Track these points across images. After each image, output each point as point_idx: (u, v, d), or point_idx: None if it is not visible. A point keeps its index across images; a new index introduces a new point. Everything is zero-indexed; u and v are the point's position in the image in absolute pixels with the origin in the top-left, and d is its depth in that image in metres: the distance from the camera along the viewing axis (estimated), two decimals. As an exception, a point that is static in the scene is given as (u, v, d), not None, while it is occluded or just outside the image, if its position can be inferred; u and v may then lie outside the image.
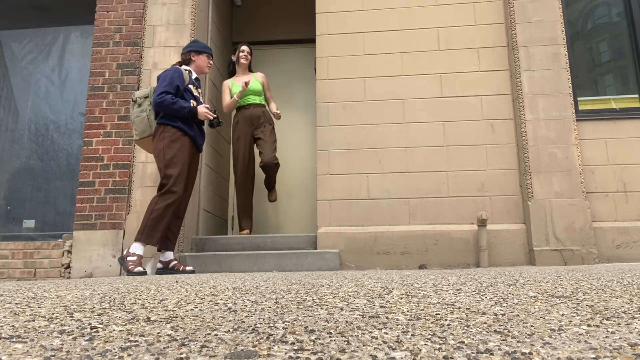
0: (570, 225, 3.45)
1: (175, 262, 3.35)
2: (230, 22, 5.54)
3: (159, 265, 3.35)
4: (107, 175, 3.89)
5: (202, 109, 3.32)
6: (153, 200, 3.16)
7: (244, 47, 4.50)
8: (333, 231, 3.68)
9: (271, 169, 4.25)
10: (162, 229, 3.13)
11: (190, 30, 4.15)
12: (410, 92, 3.88)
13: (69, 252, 3.81)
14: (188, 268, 3.36)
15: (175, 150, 3.22)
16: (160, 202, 3.12)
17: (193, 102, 3.34)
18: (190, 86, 3.41)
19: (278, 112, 4.24)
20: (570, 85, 3.69)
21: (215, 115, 3.40)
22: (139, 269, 3.08)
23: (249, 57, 4.48)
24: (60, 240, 3.90)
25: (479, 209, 3.63)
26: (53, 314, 0.86)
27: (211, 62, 3.60)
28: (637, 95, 3.83)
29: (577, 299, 0.97)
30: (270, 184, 4.38)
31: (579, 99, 3.82)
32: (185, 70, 3.45)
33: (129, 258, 3.10)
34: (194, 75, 3.51)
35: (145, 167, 3.90)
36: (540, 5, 3.84)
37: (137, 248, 3.12)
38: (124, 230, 3.78)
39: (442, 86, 3.87)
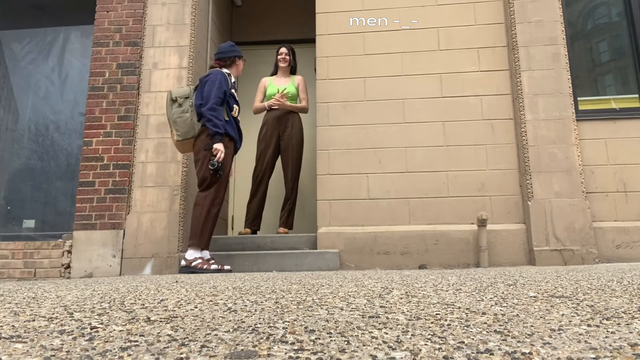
0: (570, 225, 3.45)
1: (200, 261, 3.21)
2: (230, 22, 5.54)
3: (183, 263, 3.23)
4: (107, 175, 3.89)
5: (219, 146, 3.25)
6: (201, 203, 3.22)
7: (282, 49, 4.40)
8: (333, 231, 3.68)
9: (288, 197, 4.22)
10: (211, 230, 3.26)
11: (190, 30, 4.15)
12: (410, 92, 3.88)
13: (69, 252, 3.81)
14: (226, 267, 3.26)
15: (224, 156, 3.28)
16: (212, 209, 3.24)
17: (236, 107, 3.47)
18: (233, 90, 3.48)
19: (281, 100, 4.19)
20: (570, 85, 3.69)
21: (219, 164, 3.24)
22: (215, 266, 3.19)
23: (287, 58, 4.37)
24: (60, 240, 3.90)
25: (479, 209, 3.63)
26: (53, 314, 0.86)
27: (242, 65, 3.72)
28: (637, 95, 3.82)
29: (577, 299, 0.97)
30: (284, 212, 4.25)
31: (579, 99, 3.82)
32: (227, 73, 3.50)
33: (194, 263, 3.17)
34: (233, 79, 3.57)
35: (145, 167, 3.90)
36: (540, 5, 3.84)
37: (193, 254, 3.20)
38: (124, 230, 3.78)
39: (442, 86, 3.87)
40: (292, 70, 4.46)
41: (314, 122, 4.92)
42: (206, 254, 3.27)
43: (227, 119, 3.39)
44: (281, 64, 4.37)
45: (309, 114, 5.19)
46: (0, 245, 3.88)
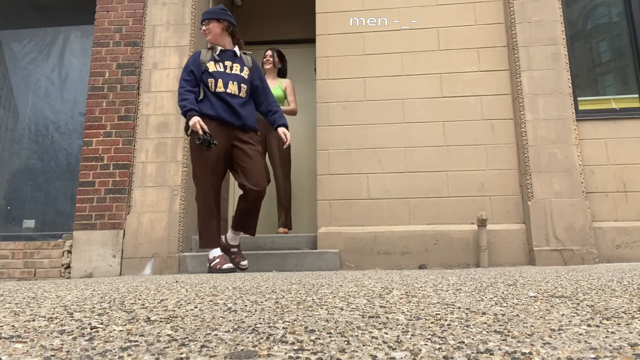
0: (570, 225, 3.45)
1: (217, 260, 3.06)
2: (230, 22, 5.54)
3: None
4: (107, 175, 3.89)
5: (193, 121, 2.97)
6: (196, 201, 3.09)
7: (267, 52, 4.36)
8: (333, 231, 3.68)
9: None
10: (211, 228, 3.06)
11: (190, 30, 4.15)
12: (410, 92, 3.88)
13: (69, 252, 3.81)
14: (243, 263, 3.12)
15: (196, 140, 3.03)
16: (198, 204, 3.07)
17: (211, 81, 3.11)
18: (210, 63, 3.17)
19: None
20: (570, 85, 3.69)
21: (203, 134, 2.94)
22: (228, 265, 3.03)
23: (271, 60, 4.31)
24: (60, 240, 3.90)
25: (479, 209, 3.63)
26: (53, 314, 0.86)
27: (203, 27, 3.24)
28: (637, 95, 3.82)
29: (577, 299, 0.97)
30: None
31: (579, 99, 3.82)
32: (208, 49, 3.27)
33: (211, 264, 3.08)
34: (218, 50, 3.23)
35: (145, 167, 3.90)
36: (540, 5, 3.84)
37: (211, 253, 3.09)
38: (124, 230, 3.78)
39: (442, 86, 3.87)
40: (282, 74, 4.42)
41: (314, 122, 4.92)
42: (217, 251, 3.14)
43: (201, 97, 3.12)
44: (265, 66, 4.31)
45: (309, 114, 5.19)
46: (0, 245, 3.88)
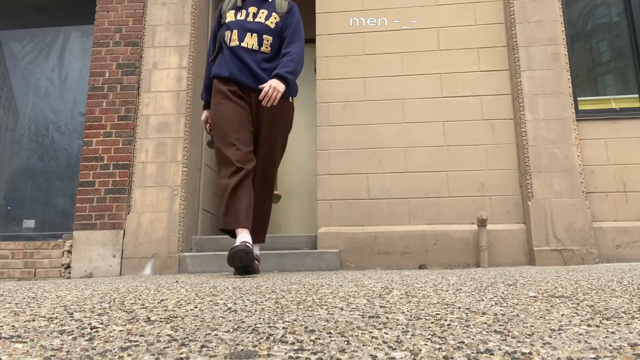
0: (570, 225, 3.45)
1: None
2: (230, 22, 5.54)
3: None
4: (107, 175, 3.89)
5: (203, 117, 2.73)
6: None
7: None
8: (333, 231, 3.68)
9: None
10: (226, 205, 2.37)
11: (190, 30, 4.15)
12: (410, 92, 3.88)
13: (69, 252, 3.81)
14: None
15: (215, 109, 2.49)
16: (221, 184, 2.43)
17: (228, 34, 2.56)
18: (230, 12, 2.61)
19: None
20: (570, 85, 3.69)
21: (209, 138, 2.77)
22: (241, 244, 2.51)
23: None
24: (60, 240, 3.90)
25: (479, 209, 3.63)
26: (53, 314, 0.86)
27: None
28: (637, 95, 3.83)
29: (577, 299, 0.97)
30: None
31: (579, 99, 3.82)
32: None
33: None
34: None
35: (145, 167, 3.90)
36: (540, 5, 3.84)
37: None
38: (124, 230, 3.78)
39: (442, 86, 3.87)
40: None
41: (314, 122, 4.92)
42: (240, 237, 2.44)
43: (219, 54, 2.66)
44: None
45: (309, 114, 5.19)
46: (0, 245, 3.88)
